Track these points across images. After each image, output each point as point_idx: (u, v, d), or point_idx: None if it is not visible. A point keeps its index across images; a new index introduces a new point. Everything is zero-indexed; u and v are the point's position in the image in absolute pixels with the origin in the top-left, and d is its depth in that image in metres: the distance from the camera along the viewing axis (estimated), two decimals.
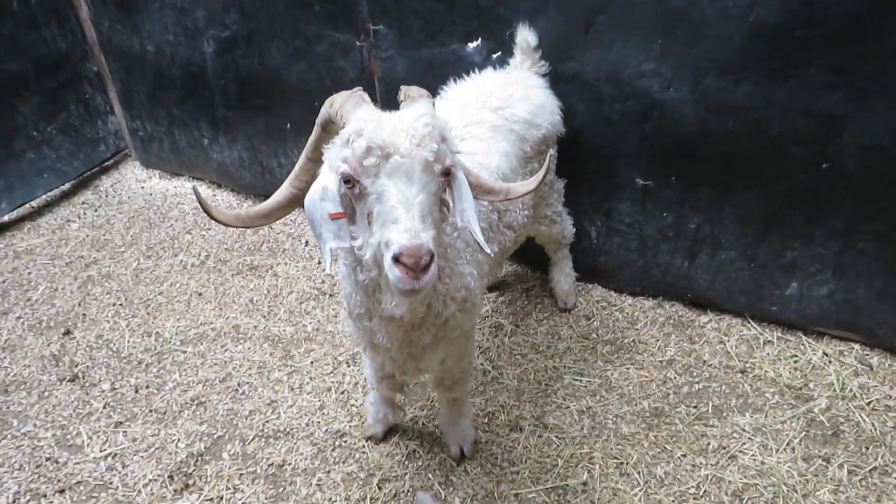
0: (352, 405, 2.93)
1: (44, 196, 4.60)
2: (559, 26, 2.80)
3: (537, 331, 3.21)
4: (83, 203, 4.61)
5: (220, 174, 4.49)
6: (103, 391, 3.14)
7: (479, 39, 3.03)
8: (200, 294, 3.71)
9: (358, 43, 3.40)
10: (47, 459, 2.83)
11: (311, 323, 3.42)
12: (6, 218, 4.42)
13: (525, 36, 2.79)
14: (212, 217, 1.71)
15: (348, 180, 1.59)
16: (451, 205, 1.70)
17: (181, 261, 3.99)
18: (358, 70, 3.48)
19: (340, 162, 1.60)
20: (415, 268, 1.47)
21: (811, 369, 2.82)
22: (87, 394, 3.13)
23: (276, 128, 4.02)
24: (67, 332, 3.51)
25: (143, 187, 4.73)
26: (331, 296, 3.59)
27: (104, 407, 3.06)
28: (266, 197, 1.90)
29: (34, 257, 4.10)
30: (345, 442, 2.78)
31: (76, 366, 3.30)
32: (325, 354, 3.21)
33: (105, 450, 2.85)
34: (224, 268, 3.88)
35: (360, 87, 1.73)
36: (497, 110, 2.47)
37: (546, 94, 2.74)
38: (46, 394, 3.16)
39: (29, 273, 3.98)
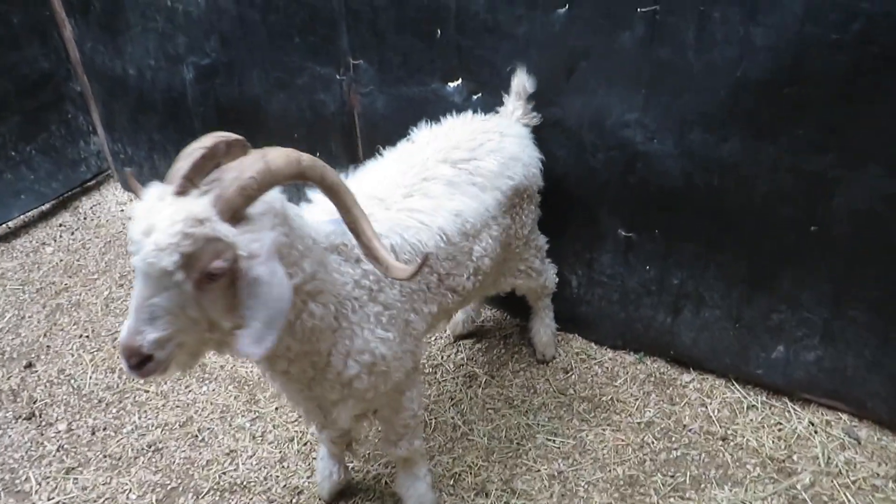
0: (313, 458, 2.79)
1: (21, 217, 4.50)
2: (541, 70, 2.68)
3: (513, 383, 3.08)
4: (60, 225, 4.51)
5: None
6: (59, 432, 3.02)
7: (460, 80, 2.91)
8: None
9: (338, 76, 3.29)
10: None
11: None
12: None
13: (522, 81, 2.65)
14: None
15: None
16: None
17: None
18: (338, 104, 3.37)
19: None
20: (128, 362, 1.44)
21: (796, 439, 2.67)
22: (42, 434, 3.01)
23: None
24: (30, 365, 3.40)
25: (122, 210, 4.62)
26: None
27: (58, 450, 2.93)
28: None
29: (5, 282, 4.00)
30: (302, 499, 2.64)
31: (34, 402, 3.18)
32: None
33: (53, 497, 2.73)
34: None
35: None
36: (458, 164, 2.33)
37: (523, 146, 2.57)
38: (0, 432, 3.03)
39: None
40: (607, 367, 3.10)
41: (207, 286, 1.45)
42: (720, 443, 2.69)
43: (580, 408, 2.91)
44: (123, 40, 4.01)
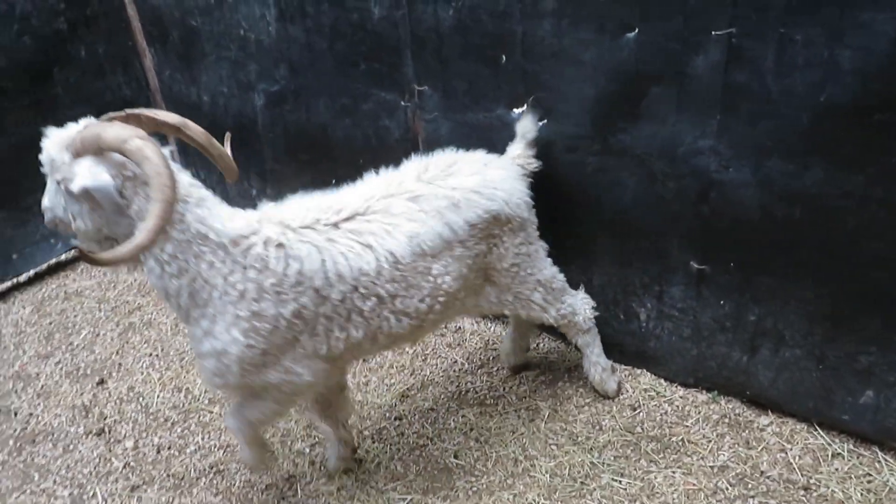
0: (371, 488, 2.75)
1: None
2: (609, 96, 2.60)
3: (577, 418, 2.96)
4: None
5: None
6: (126, 449, 3.09)
7: (525, 105, 2.86)
8: None
9: (403, 103, 3.29)
10: None
11: None
12: (63, 257, 4.52)
13: (528, 124, 2.68)
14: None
15: None
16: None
17: None
18: (402, 130, 3.37)
19: None
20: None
21: (887, 492, 2.45)
22: (111, 451, 3.09)
23: (322, 183, 3.90)
24: (102, 382, 3.50)
25: None
26: (364, 361, 3.44)
27: (124, 467, 3.00)
28: None
29: (82, 300, 4.16)
30: None
31: (105, 419, 3.27)
32: (351, 426, 3.05)
33: None
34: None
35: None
36: (432, 180, 2.39)
37: (506, 176, 2.53)
38: (71, 447, 3.13)
39: (75, 316, 4.03)
40: (678, 406, 2.94)
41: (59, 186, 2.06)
42: (802, 492, 2.50)
43: (648, 448, 2.77)
44: (199, 69, 4.14)
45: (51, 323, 4.00)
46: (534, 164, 2.70)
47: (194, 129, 2.14)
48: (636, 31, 2.43)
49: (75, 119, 2.40)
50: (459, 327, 3.60)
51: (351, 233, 2.22)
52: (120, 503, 2.83)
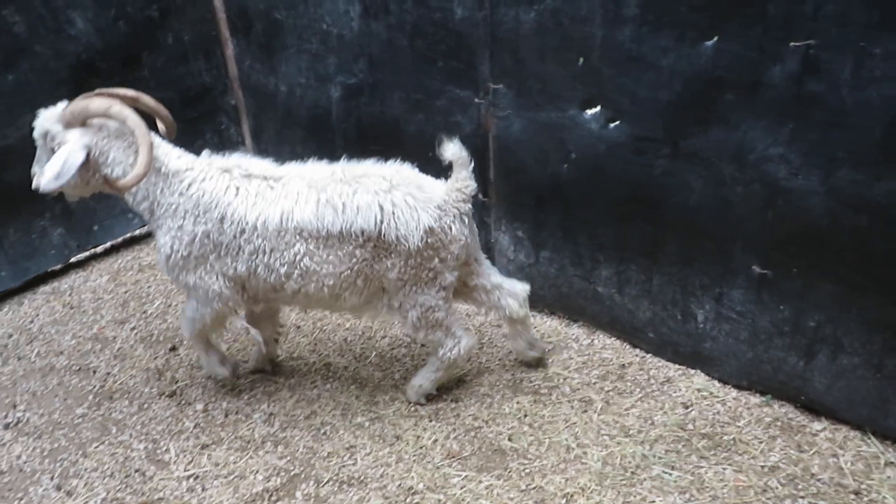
0: (427, 462, 2.88)
1: None
2: (683, 101, 2.71)
3: (629, 412, 3.05)
4: None
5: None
6: (196, 411, 3.27)
7: (599, 107, 2.98)
8: (299, 327, 3.81)
9: (477, 100, 3.43)
10: (136, 471, 2.95)
11: (399, 371, 3.42)
12: (137, 232, 4.76)
13: (455, 149, 2.79)
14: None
15: None
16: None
17: None
18: (474, 126, 3.51)
19: None
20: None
21: None
22: (182, 412, 3.27)
23: None
24: (173, 349, 3.70)
25: None
26: (423, 345, 3.58)
27: (195, 427, 3.17)
28: None
29: (155, 272, 4.37)
30: (416, 500, 2.73)
31: (176, 382, 3.45)
32: (409, 407, 3.18)
33: (189, 470, 2.94)
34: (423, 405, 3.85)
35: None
36: (336, 181, 2.75)
37: (407, 205, 2.68)
38: (146, 406, 3.32)
39: (149, 287, 4.25)
40: (730, 407, 3.01)
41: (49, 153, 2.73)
42: (852, 496, 2.56)
43: (699, 444, 2.85)
44: (279, 59, 4.34)
45: (126, 292, 4.23)
46: (472, 189, 2.82)
47: (146, 99, 2.89)
48: (715, 39, 2.54)
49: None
50: None
51: (251, 189, 2.77)
52: (191, 459, 3.00)
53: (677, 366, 3.25)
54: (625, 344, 3.45)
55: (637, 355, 3.38)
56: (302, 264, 2.77)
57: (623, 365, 3.33)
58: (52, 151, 2.70)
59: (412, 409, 3.17)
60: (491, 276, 3.10)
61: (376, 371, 3.43)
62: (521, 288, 3.12)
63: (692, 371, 3.22)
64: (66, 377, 3.54)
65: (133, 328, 3.88)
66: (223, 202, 2.75)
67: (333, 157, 4.33)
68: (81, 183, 2.78)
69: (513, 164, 3.42)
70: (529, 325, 3.24)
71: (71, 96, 2.77)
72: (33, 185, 2.81)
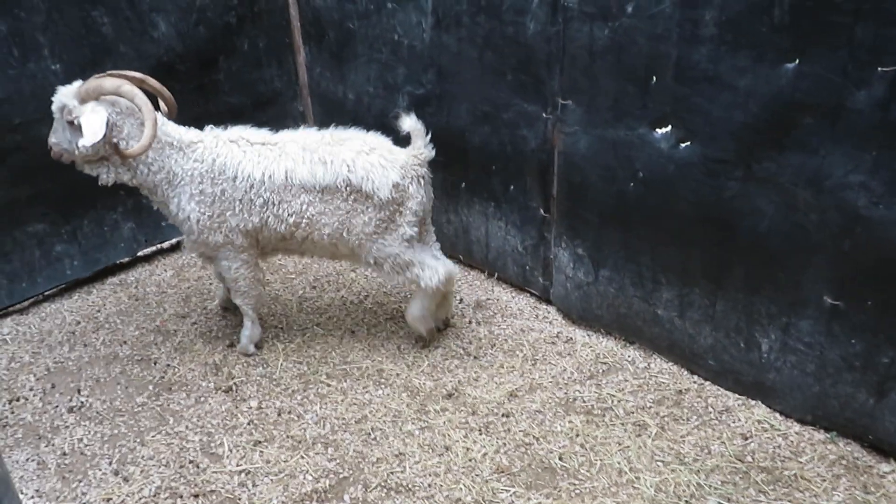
0: (476, 475, 2.86)
1: None
2: (759, 123, 2.65)
3: (685, 439, 2.97)
4: None
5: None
6: (251, 408, 3.32)
7: (670, 126, 2.93)
8: (353, 332, 3.84)
9: (544, 115, 3.43)
10: (190, 462, 3.01)
11: (451, 382, 3.41)
12: None
13: (412, 122, 3.27)
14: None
15: None
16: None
17: (342, 296, 4.18)
18: (539, 140, 3.51)
19: None
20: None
21: None
22: (237, 407, 3.33)
23: (451, 185, 4.14)
24: (231, 345, 3.77)
25: None
26: (475, 358, 3.57)
27: (248, 423, 3.22)
28: None
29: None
30: None
31: (232, 378, 3.52)
32: (460, 417, 3.17)
33: (241, 465, 2.99)
34: (379, 311, 4.01)
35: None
36: (326, 143, 3.26)
37: (380, 163, 3.20)
38: (202, 399, 3.39)
39: (210, 284, 4.35)
40: (792, 441, 2.91)
41: (71, 125, 3.07)
42: None
43: (758, 478, 2.75)
44: (348, 68, 4.43)
45: (188, 287, 4.34)
46: (427, 155, 3.31)
47: (151, 81, 3.21)
48: (797, 61, 2.48)
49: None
50: (571, 338, 3.68)
51: (258, 153, 3.23)
52: (244, 454, 3.05)
53: (737, 395, 3.16)
54: (683, 369, 3.37)
55: (695, 382, 3.30)
56: (307, 213, 3.26)
57: (680, 391, 3.25)
58: (70, 123, 3.06)
59: (462, 419, 3.15)
60: (426, 248, 3.55)
61: (428, 380, 3.43)
62: (444, 270, 3.46)
63: (753, 402, 3.12)
64: (128, 366, 3.65)
65: (194, 323, 3.98)
66: (233, 163, 3.20)
67: None
68: (93, 150, 3.07)
69: (577, 181, 3.40)
70: (446, 303, 3.69)
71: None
72: (54, 153, 3.18)
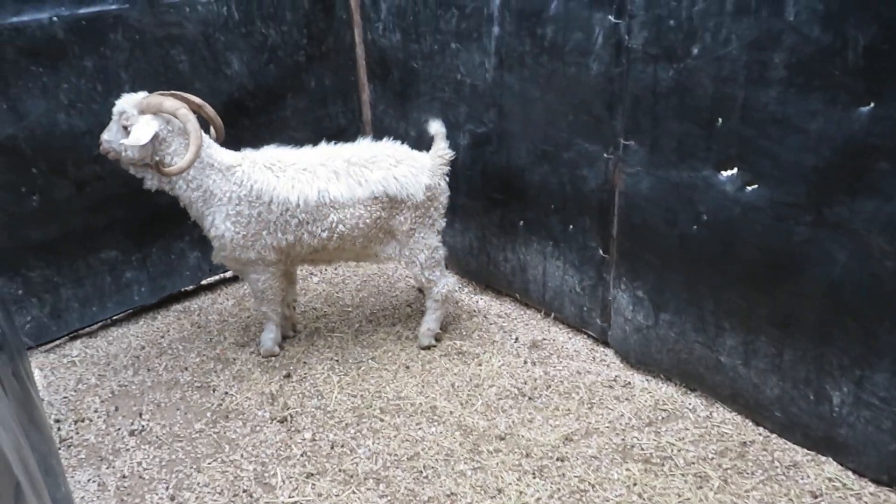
0: None
1: None
2: (831, 167, 2.57)
3: (749, 494, 2.84)
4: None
5: (448, 257, 4.69)
6: (304, 439, 3.34)
7: (735, 169, 2.88)
8: (408, 367, 3.84)
9: (606, 155, 3.41)
10: (244, 491, 3.04)
11: (504, 422, 3.36)
12: None
13: (436, 126, 3.68)
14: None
15: None
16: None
17: (397, 331, 4.19)
18: (600, 181, 3.48)
19: None
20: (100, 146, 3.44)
21: None
22: (291, 438, 3.35)
23: (509, 223, 4.14)
24: (288, 376, 3.82)
25: None
26: (530, 399, 3.51)
27: (301, 455, 3.24)
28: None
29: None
30: None
31: (287, 409, 3.55)
32: (513, 459, 3.12)
33: (293, 497, 3.00)
34: (434, 347, 4.00)
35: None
36: (352, 165, 3.56)
37: (408, 172, 3.57)
38: (258, 428, 3.43)
39: None
40: (866, 502, 2.74)
41: (124, 129, 3.35)
42: None
43: None
44: (411, 106, 4.52)
45: (248, 317, 4.44)
46: (450, 154, 3.70)
47: (207, 109, 3.51)
48: (871, 105, 2.40)
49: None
50: (629, 382, 3.59)
51: (291, 177, 3.48)
52: (296, 486, 3.06)
53: (806, 450, 3.01)
54: (747, 420, 3.24)
55: (760, 434, 3.16)
56: (338, 228, 3.56)
57: (744, 442, 3.12)
58: (123, 128, 3.34)
59: (516, 462, 3.10)
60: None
61: (481, 420, 3.39)
62: (444, 283, 3.90)
63: (823, 458, 2.96)
64: (188, 392, 3.73)
65: (252, 352, 4.05)
66: (269, 189, 3.46)
67: (455, 203, 4.45)
68: (139, 157, 3.35)
69: (638, 222, 3.35)
70: (435, 312, 3.98)
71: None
72: (102, 149, 3.43)
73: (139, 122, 3.28)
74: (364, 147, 3.66)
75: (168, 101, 3.29)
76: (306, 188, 3.48)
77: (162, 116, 3.33)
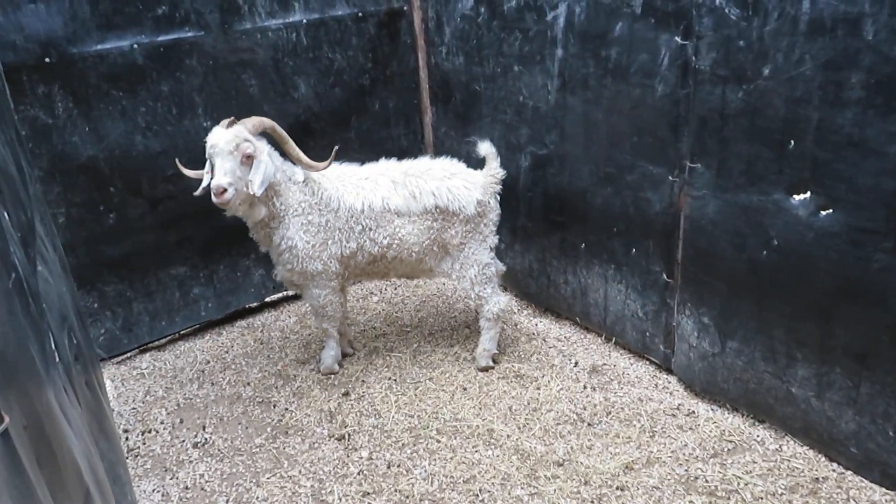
0: None
1: None
2: None
3: None
4: (387, 280, 5.13)
5: (507, 279, 4.69)
6: (361, 458, 3.35)
7: (809, 193, 2.77)
8: (465, 389, 3.82)
9: (671, 178, 3.34)
10: None
11: (562, 447, 3.30)
12: None
13: (487, 147, 3.76)
14: (183, 172, 3.64)
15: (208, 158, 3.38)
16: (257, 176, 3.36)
17: (455, 352, 4.18)
18: (665, 204, 3.41)
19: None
20: (216, 193, 3.24)
21: None
22: (348, 456, 3.37)
23: (570, 245, 4.10)
24: (346, 394, 3.85)
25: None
26: (589, 425, 3.44)
27: (358, 473, 3.25)
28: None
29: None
30: None
31: (345, 427, 3.58)
32: (572, 487, 3.05)
33: None
34: (492, 369, 3.97)
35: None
36: (409, 176, 3.70)
37: (461, 185, 3.69)
38: (316, 445, 3.46)
39: None
40: None
41: (245, 161, 3.30)
42: None
43: None
44: (473, 128, 4.54)
45: (309, 334, 4.51)
46: (501, 174, 3.80)
47: (279, 129, 3.51)
48: None
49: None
50: (693, 411, 3.47)
51: (355, 186, 3.66)
52: None
53: (885, 490, 2.85)
54: (820, 455, 3.09)
55: (834, 470, 3.01)
56: (398, 236, 3.68)
57: (817, 479, 2.97)
58: (247, 156, 3.30)
59: (574, 489, 3.03)
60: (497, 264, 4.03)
61: (539, 444, 3.34)
62: (505, 301, 3.95)
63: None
64: (249, 407, 3.81)
65: (312, 369, 4.11)
66: (336, 196, 3.61)
67: (515, 224, 4.43)
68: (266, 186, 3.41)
69: (704, 246, 3.27)
70: (490, 331, 3.99)
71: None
72: (228, 196, 3.25)
73: (259, 148, 3.33)
74: (422, 161, 3.83)
75: (265, 121, 3.44)
76: (370, 195, 3.64)
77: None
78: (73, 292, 3.15)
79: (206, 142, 3.33)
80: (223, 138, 3.25)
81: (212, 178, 3.28)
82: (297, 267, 3.65)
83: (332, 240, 3.63)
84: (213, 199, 3.24)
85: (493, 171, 3.78)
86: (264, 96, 4.40)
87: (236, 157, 3.26)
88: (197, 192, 3.49)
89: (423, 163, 3.80)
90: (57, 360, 1.75)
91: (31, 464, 0.98)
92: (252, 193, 3.32)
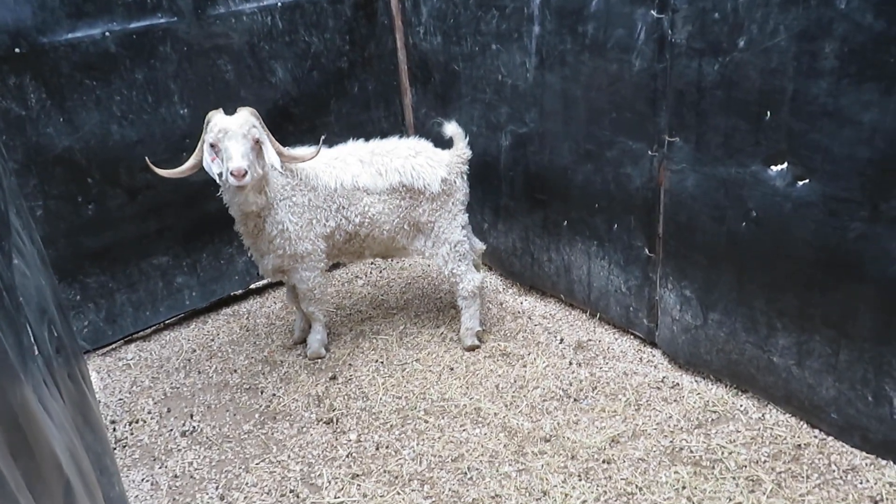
0: None
1: None
2: (887, 159, 2.47)
3: (805, 499, 2.75)
4: (372, 263, 5.13)
5: (492, 258, 4.70)
6: (350, 440, 3.37)
7: (786, 164, 2.79)
8: (452, 369, 3.84)
9: (650, 153, 3.35)
10: (290, 491, 3.08)
11: (549, 423, 3.33)
12: None
13: (452, 128, 3.79)
14: (156, 172, 3.47)
15: (213, 145, 3.29)
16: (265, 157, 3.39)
17: (441, 333, 4.20)
18: (645, 178, 3.43)
19: (208, 139, 3.29)
20: (237, 176, 3.17)
21: None
22: (337, 439, 3.39)
23: (552, 223, 4.11)
24: (333, 378, 3.86)
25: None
26: (575, 400, 3.47)
27: (347, 455, 3.27)
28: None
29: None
30: None
31: (333, 410, 3.59)
32: (559, 462, 3.09)
33: (339, 497, 3.03)
34: (478, 348, 3.99)
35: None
36: (375, 155, 3.79)
37: (426, 164, 3.75)
38: (304, 430, 3.48)
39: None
40: None
41: (254, 145, 3.29)
42: None
43: None
44: (453, 108, 4.52)
45: (294, 320, 4.51)
46: (468, 154, 3.85)
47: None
48: None
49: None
50: (677, 383, 3.51)
51: (327, 165, 3.71)
52: (342, 486, 3.09)
53: (865, 454, 2.90)
54: (802, 422, 3.14)
55: (816, 436, 3.06)
56: (368, 214, 3.76)
57: (799, 445, 3.02)
58: (255, 141, 3.29)
59: (561, 464, 3.06)
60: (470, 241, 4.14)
61: (526, 421, 3.37)
62: (479, 278, 3.99)
63: (883, 461, 2.85)
64: (237, 394, 3.81)
65: (299, 354, 4.11)
66: (313, 174, 3.66)
67: (498, 204, 4.44)
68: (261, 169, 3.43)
69: (684, 220, 3.28)
70: (469, 309, 4.02)
71: None
72: (246, 180, 3.21)
73: (264, 134, 3.35)
74: (389, 141, 3.89)
75: (254, 111, 3.42)
76: (341, 174, 3.70)
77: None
78: (53, 285, 3.12)
79: (208, 129, 3.27)
80: (236, 122, 3.23)
81: (224, 165, 3.23)
82: (288, 250, 3.67)
83: (315, 219, 3.68)
84: (233, 182, 3.18)
85: (460, 150, 3.82)
86: (241, 82, 4.35)
87: (249, 140, 3.25)
88: (220, 182, 3.39)
89: (390, 142, 3.87)
90: (36, 353, 1.74)
91: (2, 456, 0.98)
92: (267, 171, 3.42)
